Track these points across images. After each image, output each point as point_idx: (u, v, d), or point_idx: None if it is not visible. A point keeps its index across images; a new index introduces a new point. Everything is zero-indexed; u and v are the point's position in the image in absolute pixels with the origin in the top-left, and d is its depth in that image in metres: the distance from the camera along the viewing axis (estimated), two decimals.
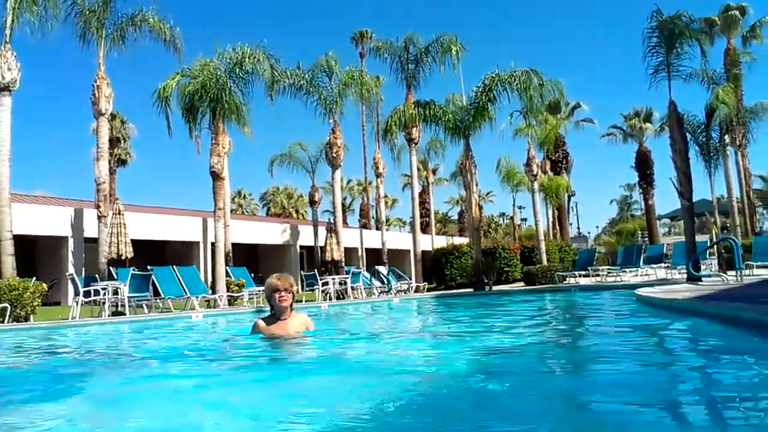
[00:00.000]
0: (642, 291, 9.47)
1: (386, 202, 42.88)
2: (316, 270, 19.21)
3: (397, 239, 35.26)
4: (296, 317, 5.20)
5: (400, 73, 23.57)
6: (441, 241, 34.04)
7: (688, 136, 15.58)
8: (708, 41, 20.46)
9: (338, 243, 22.27)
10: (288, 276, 5.12)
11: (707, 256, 17.58)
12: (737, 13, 29.57)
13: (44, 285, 12.40)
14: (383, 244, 26.95)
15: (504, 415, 2.81)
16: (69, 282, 13.91)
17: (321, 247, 24.25)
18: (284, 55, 18.45)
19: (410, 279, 21.31)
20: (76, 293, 12.48)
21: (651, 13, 14.67)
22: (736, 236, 22.08)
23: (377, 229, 32.09)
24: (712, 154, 18.40)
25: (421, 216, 31.24)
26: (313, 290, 16.72)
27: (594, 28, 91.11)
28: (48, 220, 19.58)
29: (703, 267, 15.32)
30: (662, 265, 18.34)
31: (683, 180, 14.17)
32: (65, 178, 74.20)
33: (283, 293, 4.96)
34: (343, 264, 22.30)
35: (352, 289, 17.29)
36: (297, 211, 54.12)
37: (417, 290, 19.44)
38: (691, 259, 13.37)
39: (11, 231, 13.09)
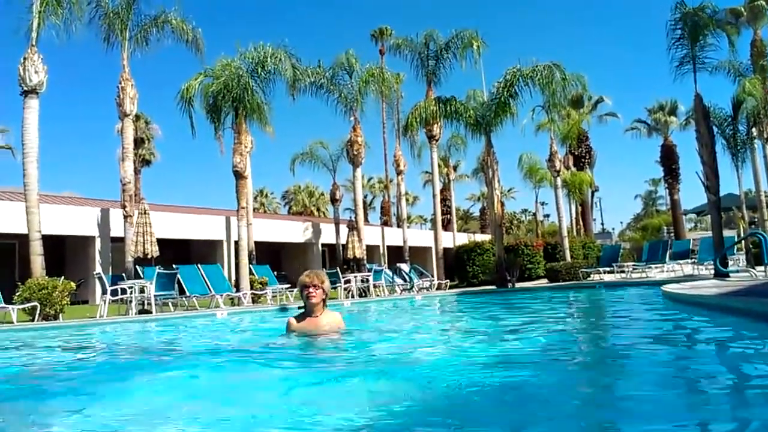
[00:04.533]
0: (669, 287, 9.35)
1: (407, 200, 42.85)
2: (338, 268, 19.26)
3: (419, 236, 35.21)
4: (328, 315, 5.15)
5: (421, 69, 23.47)
6: (463, 238, 33.91)
7: (715, 129, 15.33)
8: (734, 32, 20.09)
9: (360, 241, 22.32)
10: (319, 272, 5.11)
11: (735, 251, 17.29)
12: (763, 2, 28.91)
13: (72, 284, 12.61)
14: (405, 241, 26.93)
15: (530, 413, 2.81)
16: (96, 281, 14.13)
17: (343, 245, 24.32)
18: (304, 53, 18.57)
19: (432, 276, 21.28)
20: (104, 292, 12.68)
21: (674, 5, 14.46)
22: (765, 231, 21.64)
23: (399, 226, 32.07)
24: (739, 148, 18.03)
25: (443, 213, 31.15)
26: (335, 288, 16.77)
27: (617, 19, 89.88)
28: (75, 220, 19.91)
29: (730, 263, 15.08)
30: (689, 261, 18.06)
31: (710, 174, 13.97)
32: (92, 178, 75.33)
33: (311, 289, 4.95)
34: (365, 262, 22.35)
35: (375, 286, 17.32)
36: (318, 209, 54.31)
37: (439, 288, 19.41)
38: (718, 254, 13.17)
39: (40, 231, 13.33)
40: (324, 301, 5.08)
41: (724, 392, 3.17)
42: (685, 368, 4.00)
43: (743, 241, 17.70)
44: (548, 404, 2.93)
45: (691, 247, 20.15)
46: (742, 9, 28.71)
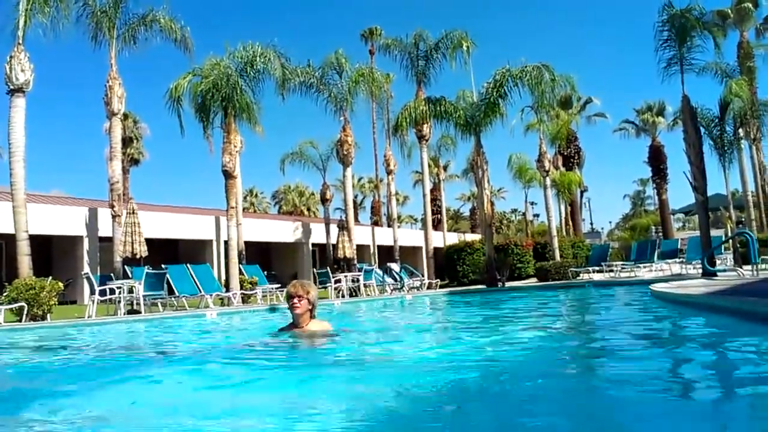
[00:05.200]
0: (657, 287, 9.41)
1: (397, 199, 42.84)
2: (328, 267, 19.25)
3: (409, 236, 35.25)
4: (315, 325, 5.04)
5: (411, 69, 23.50)
6: (453, 238, 33.99)
7: (702, 130, 15.45)
8: (721, 34, 20.26)
9: (350, 240, 22.30)
10: (305, 283, 4.99)
11: (722, 250, 17.42)
12: (750, 5, 29.20)
13: (60, 284, 12.51)
14: (395, 241, 26.95)
15: (518, 411, 2.81)
16: (85, 281, 14.03)
17: (333, 245, 24.30)
18: (294, 53, 18.53)
19: (422, 276, 21.30)
20: (92, 292, 12.59)
21: (662, 6, 14.56)
22: (752, 230, 21.84)
23: (389, 226, 32.10)
24: (726, 148, 18.21)
25: (433, 213, 31.20)
26: (325, 288, 16.75)
27: (606, 20, 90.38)
28: (63, 220, 19.76)
29: (718, 262, 15.19)
30: (677, 260, 18.19)
31: (697, 174, 14.06)
32: (79, 178, 74.87)
33: (295, 300, 4.84)
34: (356, 261, 22.33)
35: (365, 286, 17.31)
36: (308, 209, 54.23)
37: (429, 287, 19.43)
38: (705, 254, 13.27)
39: (27, 231, 13.22)
40: (310, 311, 4.94)
41: (710, 390, 3.19)
42: (672, 367, 4.03)
43: (730, 241, 17.82)
44: (534, 404, 2.94)
45: (679, 246, 20.30)
46: (729, 11, 28.98)
